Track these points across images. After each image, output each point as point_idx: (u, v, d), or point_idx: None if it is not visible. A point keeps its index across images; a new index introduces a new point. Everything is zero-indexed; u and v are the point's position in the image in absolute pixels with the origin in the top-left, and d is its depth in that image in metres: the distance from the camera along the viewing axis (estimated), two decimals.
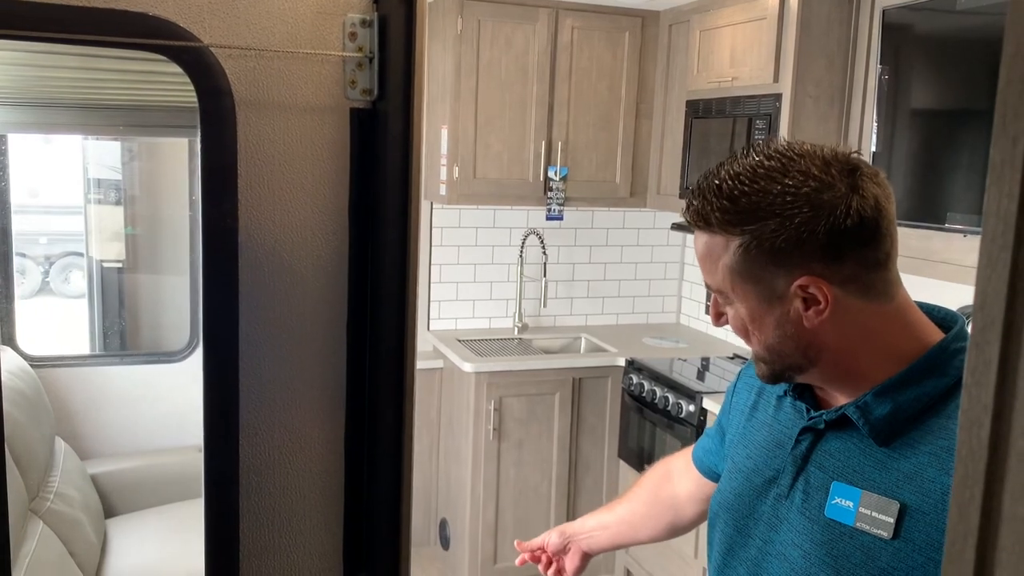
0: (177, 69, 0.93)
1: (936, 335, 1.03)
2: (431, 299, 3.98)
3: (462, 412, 3.58)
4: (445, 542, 3.80)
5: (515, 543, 1.59)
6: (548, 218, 3.88)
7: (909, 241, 2.33)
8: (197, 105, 0.93)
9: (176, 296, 3.52)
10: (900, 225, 1.02)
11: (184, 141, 3.35)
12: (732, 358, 3.60)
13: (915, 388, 1.00)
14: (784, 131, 2.85)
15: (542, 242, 3.93)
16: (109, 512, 2.97)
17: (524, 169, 3.66)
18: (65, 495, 2.60)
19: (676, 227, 3.60)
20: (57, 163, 6.16)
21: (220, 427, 0.98)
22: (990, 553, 0.36)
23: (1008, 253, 0.35)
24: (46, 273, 8.62)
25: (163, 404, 3.23)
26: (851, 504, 1.01)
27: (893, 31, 2.58)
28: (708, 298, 1.13)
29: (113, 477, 3.06)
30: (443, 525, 3.83)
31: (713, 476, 1.35)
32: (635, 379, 3.44)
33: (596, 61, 3.68)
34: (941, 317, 1.07)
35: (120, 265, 3.66)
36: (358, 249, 1.01)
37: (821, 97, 2.85)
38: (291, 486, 1.04)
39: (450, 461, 3.75)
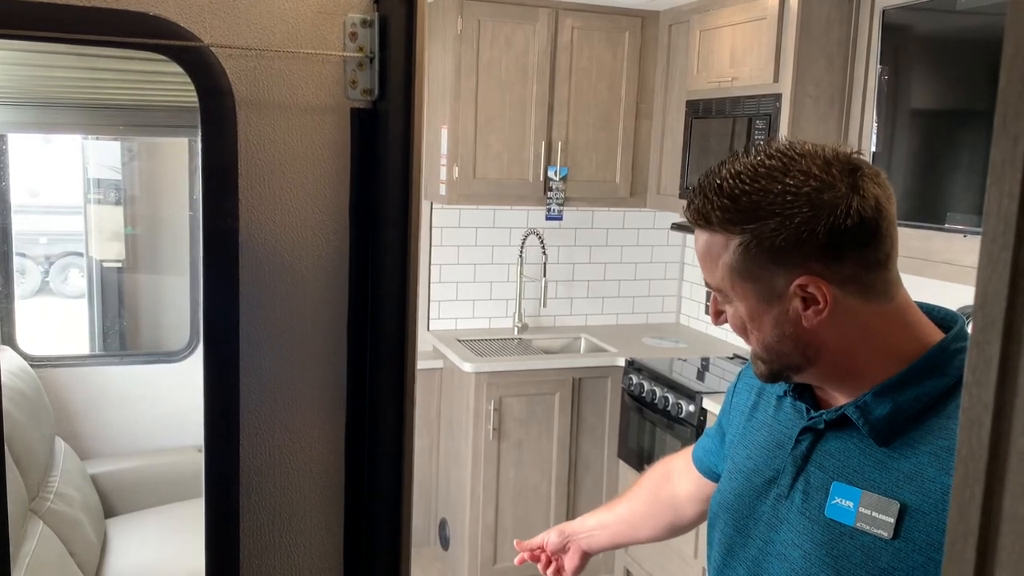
0: (177, 69, 0.93)
1: (936, 335, 1.03)
2: (431, 299, 3.98)
3: (462, 412, 3.58)
4: (445, 542, 3.81)
5: (514, 542, 1.59)
6: (548, 218, 3.88)
7: (909, 241, 2.33)
8: (198, 105, 0.94)
9: (176, 296, 3.52)
10: (900, 225, 1.02)
11: (184, 141, 3.35)
12: (732, 358, 3.60)
13: (915, 388, 1.00)
14: (784, 131, 2.85)
15: (542, 242, 3.93)
16: (109, 512, 2.97)
17: (524, 169, 3.66)
18: (65, 495, 2.60)
19: (676, 227, 3.60)
20: (57, 163, 6.16)
21: (220, 427, 0.99)
22: (991, 553, 0.36)
23: (1009, 253, 0.35)
24: (46, 273, 8.62)
25: (163, 404, 3.23)
26: (851, 504, 1.01)
27: (893, 31, 2.58)
28: (708, 297, 1.13)
29: (113, 477, 3.06)
30: (443, 525, 3.83)
31: (713, 476, 1.35)
32: (635, 379, 3.44)
33: (596, 61, 3.68)
34: (941, 317, 1.07)
35: (120, 265, 3.66)
36: (359, 249, 1.01)
37: (821, 97, 2.85)
38: (292, 486, 1.04)
39: (450, 461, 3.75)
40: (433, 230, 3.93)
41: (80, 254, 5.23)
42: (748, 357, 1.11)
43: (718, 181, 1.01)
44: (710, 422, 2.96)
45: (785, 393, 1.14)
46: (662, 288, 4.34)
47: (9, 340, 3.12)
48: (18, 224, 3.97)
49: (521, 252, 4.01)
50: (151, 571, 2.67)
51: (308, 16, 0.97)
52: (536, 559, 1.54)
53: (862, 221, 0.96)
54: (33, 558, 2.21)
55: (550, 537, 1.52)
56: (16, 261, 3.35)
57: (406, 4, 0.94)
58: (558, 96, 3.65)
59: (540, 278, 4.01)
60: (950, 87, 2.47)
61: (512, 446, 3.52)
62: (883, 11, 2.61)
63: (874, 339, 1.02)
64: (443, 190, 3.63)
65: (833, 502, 1.03)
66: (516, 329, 4.05)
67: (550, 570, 1.52)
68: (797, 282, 0.99)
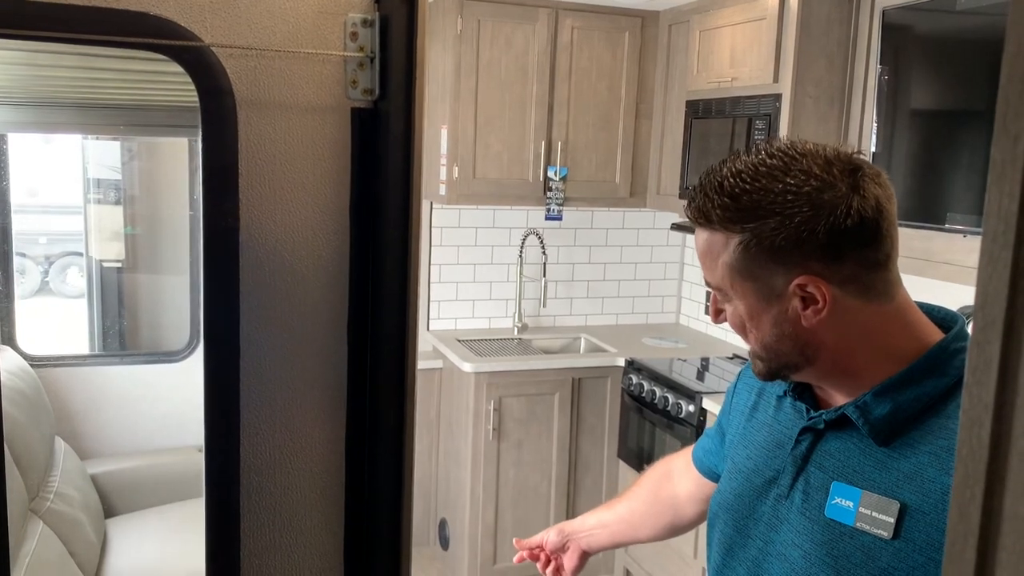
0: (178, 69, 0.93)
1: (936, 335, 1.03)
2: (431, 299, 3.98)
3: (462, 412, 3.58)
4: (444, 542, 3.80)
5: (513, 541, 1.58)
6: (547, 218, 3.88)
7: (910, 242, 2.33)
8: (198, 105, 0.94)
9: (176, 296, 3.52)
10: (900, 226, 1.02)
11: (184, 141, 3.35)
12: (731, 358, 3.60)
13: (915, 388, 1.00)
14: (784, 131, 2.85)
15: (542, 242, 3.93)
16: (109, 512, 2.97)
17: (524, 169, 3.66)
18: (65, 495, 2.60)
19: (676, 227, 3.60)
20: (57, 163, 6.16)
21: (221, 427, 0.99)
22: (991, 553, 0.36)
23: (1009, 252, 0.35)
24: (46, 273, 8.62)
25: (163, 404, 3.23)
26: (851, 504, 1.01)
27: (893, 31, 2.58)
28: (708, 297, 1.13)
29: (113, 477, 3.06)
30: (442, 525, 3.83)
31: (713, 476, 1.35)
32: (635, 379, 3.44)
33: (596, 61, 3.68)
34: (941, 317, 1.07)
35: (120, 265, 3.66)
36: (359, 249, 1.01)
37: (821, 97, 2.85)
38: (292, 486, 1.04)
39: (449, 461, 3.75)
40: (433, 230, 3.93)
41: (80, 254, 5.23)
42: (748, 357, 1.11)
43: (719, 179, 1.01)
44: (710, 422, 2.96)
45: (785, 393, 1.14)
46: (662, 288, 4.34)
47: (9, 340, 3.12)
48: (18, 224, 3.97)
49: (521, 252, 4.01)
50: (151, 571, 2.67)
51: (309, 16, 0.97)
52: (535, 558, 1.53)
53: (862, 221, 0.96)
54: (33, 558, 2.21)
55: (549, 536, 1.51)
56: (16, 261, 3.35)
57: (407, 4, 0.94)
58: (558, 96, 3.65)
59: (540, 278, 4.01)
60: (950, 87, 2.47)
61: (512, 446, 3.52)
62: (883, 11, 2.61)
63: (874, 339, 1.02)
64: (443, 190, 3.63)
65: (833, 502, 1.03)
66: (516, 329, 4.05)
67: (549, 569, 1.52)
68: (796, 281, 0.99)
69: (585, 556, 1.52)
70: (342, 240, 1.01)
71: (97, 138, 3.65)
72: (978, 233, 2.14)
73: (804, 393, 1.12)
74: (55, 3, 0.87)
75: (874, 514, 0.99)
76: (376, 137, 0.99)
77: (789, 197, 0.97)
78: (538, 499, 3.61)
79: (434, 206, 3.89)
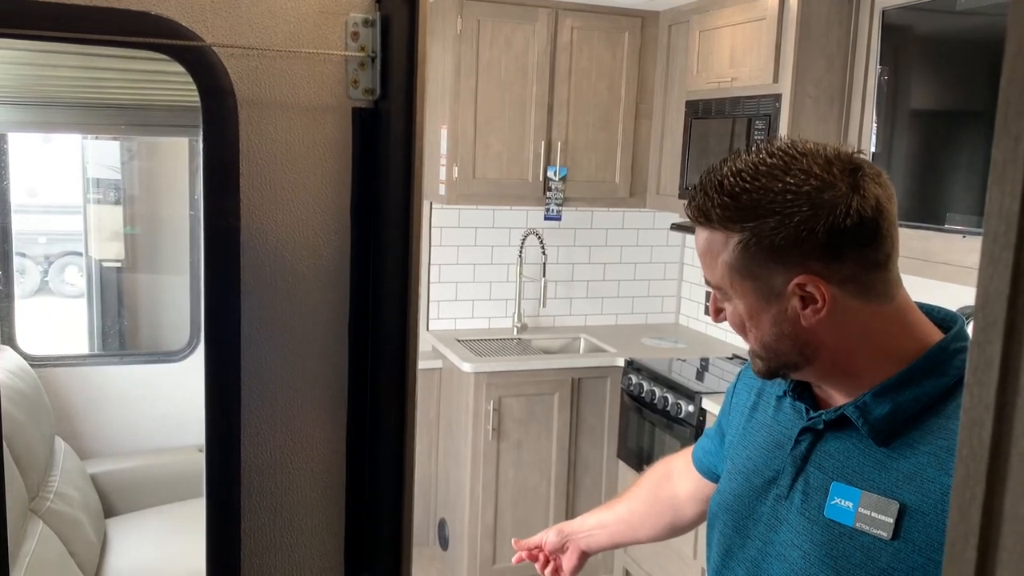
0: (179, 68, 0.93)
1: (936, 335, 1.03)
2: (430, 299, 3.98)
3: (461, 412, 3.58)
4: (444, 542, 3.80)
5: (512, 541, 1.58)
6: (547, 218, 3.87)
7: (910, 242, 2.33)
8: (199, 104, 0.94)
9: (176, 296, 3.52)
10: (900, 226, 1.02)
11: (184, 140, 3.35)
12: (731, 358, 3.60)
13: (915, 388, 1.00)
14: (784, 131, 2.85)
15: (541, 242, 3.93)
16: (109, 512, 2.97)
17: (523, 169, 3.66)
18: (65, 495, 2.60)
19: (675, 227, 3.60)
20: (56, 162, 6.16)
21: (222, 427, 0.99)
22: (991, 553, 0.36)
23: (1010, 252, 0.35)
24: (45, 273, 8.62)
25: (163, 404, 3.23)
26: (850, 504, 1.01)
27: (893, 31, 2.59)
28: (708, 296, 1.13)
29: (113, 477, 3.06)
30: (442, 525, 3.83)
31: (713, 477, 1.35)
32: (634, 379, 3.44)
33: (596, 61, 3.68)
34: (941, 318, 1.07)
35: (119, 265, 3.66)
36: (360, 248, 1.01)
37: (821, 97, 2.86)
38: (293, 486, 1.04)
39: (449, 461, 3.75)
40: (433, 230, 3.93)
41: (80, 254, 5.23)
42: (747, 357, 1.11)
43: (719, 178, 1.01)
44: (709, 422, 2.96)
45: (785, 393, 1.14)
46: (661, 288, 4.34)
47: (9, 340, 3.12)
48: (18, 224, 3.97)
49: (520, 252, 4.01)
50: (151, 571, 2.67)
51: (310, 16, 0.97)
52: (534, 558, 1.53)
53: (862, 221, 0.96)
54: (33, 558, 2.21)
55: (548, 536, 1.51)
56: (16, 261, 3.35)
57: (408, 4, 0.94)
58: (558, 96, 3.65)
59: (539, 278, 4.01)
60: (950, 87, 2.48)
61: (511, 446, 3.52)
62: (883, 11, 2.61)
63: (873, 339, 1.02)
64: (443, 190, 3.63)
65: (832, 502, 1.03)
66: (515, 329, 4.05)
67: (548, 569, 1.52)
68: (796, 281, 0.99)
69: (584, 556, 1.51)
70: (343, 240, 1.01)
71: (97, 138, 3.65)
72: (977, 233, 2.14)
73: (804, 393, 1.12)
74: (56, 2, 0.87)
75: (873, 514, 0.99)
76: (377, 137, 0.99)
77: (789, 196, 0.97)
78: (537, 499, 3.61)
79: (434, 206, 3.89)
